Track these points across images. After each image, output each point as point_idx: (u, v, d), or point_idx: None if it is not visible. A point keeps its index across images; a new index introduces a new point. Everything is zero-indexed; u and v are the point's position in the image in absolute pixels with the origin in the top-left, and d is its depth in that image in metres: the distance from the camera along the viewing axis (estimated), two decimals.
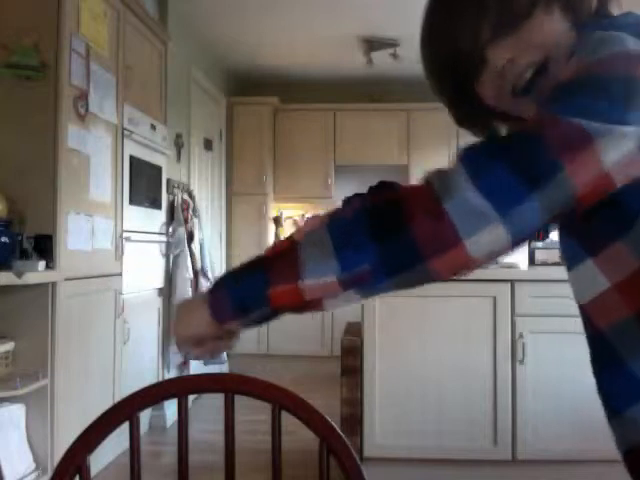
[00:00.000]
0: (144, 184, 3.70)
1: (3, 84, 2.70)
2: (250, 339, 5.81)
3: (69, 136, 2.79)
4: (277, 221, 6.20)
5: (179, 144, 4.48)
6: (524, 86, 0.82)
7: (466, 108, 0.90)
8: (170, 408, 3.78)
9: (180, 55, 4.47)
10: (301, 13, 4.55)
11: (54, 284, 2.68)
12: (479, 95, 0.87)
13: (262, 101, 5.97)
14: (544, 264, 3.95)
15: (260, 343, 5.82)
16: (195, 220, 4.32)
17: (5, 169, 2.69)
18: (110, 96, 3.22)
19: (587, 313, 0.80)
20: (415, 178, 5.84)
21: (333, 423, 0.94)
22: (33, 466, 2.61)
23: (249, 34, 5.01)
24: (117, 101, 3.30)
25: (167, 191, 4.10)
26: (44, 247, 2.66)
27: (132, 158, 3.49)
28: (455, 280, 3.05)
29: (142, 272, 3.69)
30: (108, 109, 3.20)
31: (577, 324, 0.84)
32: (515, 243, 0.68)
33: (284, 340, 5.77)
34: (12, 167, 2.70)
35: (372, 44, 5.09)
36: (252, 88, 6.16)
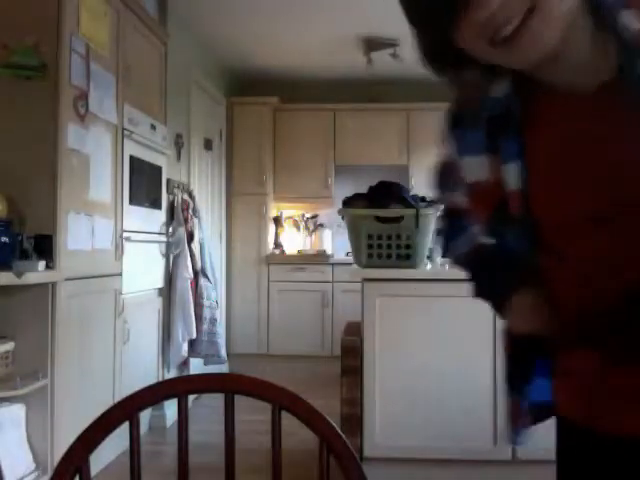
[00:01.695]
0: (144, 184, 3.70)
1: (3, 84, 2.70)
2: (250, 339, 5.82)
3: (69, 136, 2.79)
4: (277, 221, 6.20)
5: (179, 144, 4.48)
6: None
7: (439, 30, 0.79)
8: (170, 408, 3.78)
9: (180, 55, 4.47)
10: (301, 13, 4.55)
11: (54, 284, 2.68)
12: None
13: (262, 101, 5.97)
14: None
15: (260, 343, 5.82)
16: (195, 220, 4.32)
17: (5, 169, 2.69)
18: (110, 96, 3.22)
19: None
20: (415, 178, 5.85)
21: (333, 423, 0.94)
22: (33, 466, 2.61)
23: (249, 34, 5.01)
24: (117, 101, 3.30)
25: (167, 191, 4.10)
26: (44, 247, 2.66)
27: (132, 158, 3.49)
28: (455, 280, 3.05)
29: (142, 272, 3.69)
30: (108, 109, 3.20)
31: None
32: None
33: (284, 340, 5.77)
34: (12, 167, 2.70)
35: (372, 44, 5.09)
36: (252, 88, 6.15)
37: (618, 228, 0.82)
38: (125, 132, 3.38)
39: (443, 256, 1.11)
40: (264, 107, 5.98)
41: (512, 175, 0.86)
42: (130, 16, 3.50)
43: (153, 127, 3.79)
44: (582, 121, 0.82)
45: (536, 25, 0.71)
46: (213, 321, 4.34)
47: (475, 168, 0.93)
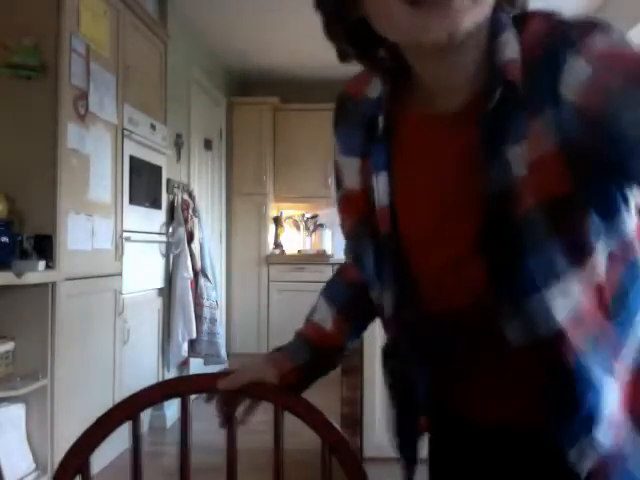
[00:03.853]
0: (144, 184, 3.70)
1: (3, 84, 2.69)
2: (250, 339, 5.81)
3: (69, 136, 2.79)
4: (277, 221, 6.20)
5: (179, 144, 4.48)
6: None
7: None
8: (170, 408, 3.78)
9: (180, 55, 4.47)
10: (301, 13, 4.53)
11: (54, 284, 2.68)
12: None
13: (262, 101, 5.97)
14: None
15: (260, 343, 5.82)
16: (195, 220, 4.32)
17: (5, 169, 2.68)
18: (110, 96, 3.22)
19: (560, 339, 0.73)
20: None
21: (335, 424, 0.94)
22: (33, 466, 2.61)
23: (249, 34, 5.00)
24: (117, 101, 3.30)
25: (167, 191, 4.10)
26: (44, 247, 2.66)
27: (132, 158, 3.49)
28: None
29: (142, 272, 3.68)
30: (108, 109, 3.19)
31: None
32: None
33: (284, 340, 5.71)
34: (12, 167, 2.70)
35: None
36: (252, 88, 6.15)
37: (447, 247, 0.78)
38: (125, 132, 3.38)
39: None
40: (264, 107, 5.97)
41: (380, 188, 0.80)
42: (130, 16, 3.49)
43: (153, 127, 3.78)
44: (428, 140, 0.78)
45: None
46: (213, 321, 4.33)
47: (350, 171, 0.87)
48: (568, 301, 0.72)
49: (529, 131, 0.68)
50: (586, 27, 0.68)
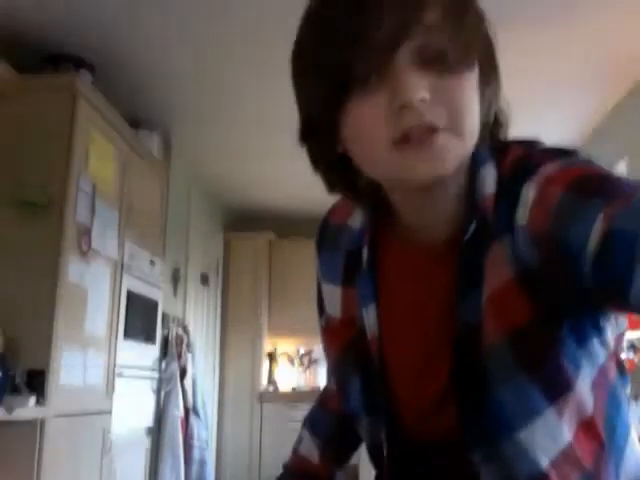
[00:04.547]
0: (140, 318, 3.70)
1: (9, 218, 2.77)
2: (241, 474, 5.55)
3: (70, 271, 2.83)
4: (271, 356, 6.12)
5: (176, 279, 4.53)
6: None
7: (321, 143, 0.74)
8: None
9: (180, 190, 4.63)
10: (296, 155, 4.76)
11: (43, 420, 2.61)
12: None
13: (258, 235, 6.09)
14: None
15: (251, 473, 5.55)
16: (189, 355, 4.27)
17: (3, 302, 2.69)
18: (112, 232, 3.30)
19: None
20: None
21: None
22: None
23: (246, 172, 5.23)
24: (119, 237, 3.38)
25: (162, 325, 4.08)
26: (36, 382, 2.62)
27: (129, 292, 3.51)
28: None
29: (132, 409, 3.59)
30: (110, 245, 3.26)
31: None
32: None
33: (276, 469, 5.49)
34: (9, 301, 2.71)
35: None
36: (248, 223, 6.29)
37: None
38: (124, 267, 3.43)
39: None
40: (260, 241, 6.09)
41: (370, 319, 0.79)
42: (136, 157, 3.66)
43: (152, 262, 3.85)
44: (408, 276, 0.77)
45: (454, 136, 0.63)
46: (202, 463, 4.17)
47: (332, 298, 0.88)
48: (552, 442, 0.67)
49: (491, 262, 0.68)
50: (548, 154, 0.68)
